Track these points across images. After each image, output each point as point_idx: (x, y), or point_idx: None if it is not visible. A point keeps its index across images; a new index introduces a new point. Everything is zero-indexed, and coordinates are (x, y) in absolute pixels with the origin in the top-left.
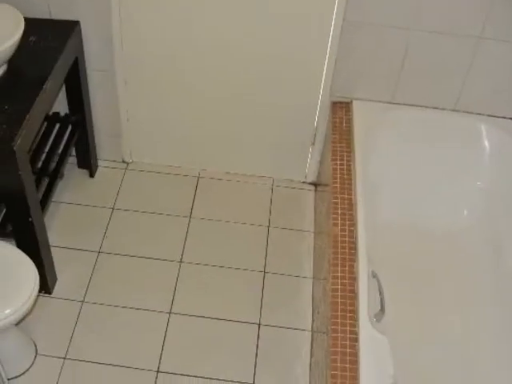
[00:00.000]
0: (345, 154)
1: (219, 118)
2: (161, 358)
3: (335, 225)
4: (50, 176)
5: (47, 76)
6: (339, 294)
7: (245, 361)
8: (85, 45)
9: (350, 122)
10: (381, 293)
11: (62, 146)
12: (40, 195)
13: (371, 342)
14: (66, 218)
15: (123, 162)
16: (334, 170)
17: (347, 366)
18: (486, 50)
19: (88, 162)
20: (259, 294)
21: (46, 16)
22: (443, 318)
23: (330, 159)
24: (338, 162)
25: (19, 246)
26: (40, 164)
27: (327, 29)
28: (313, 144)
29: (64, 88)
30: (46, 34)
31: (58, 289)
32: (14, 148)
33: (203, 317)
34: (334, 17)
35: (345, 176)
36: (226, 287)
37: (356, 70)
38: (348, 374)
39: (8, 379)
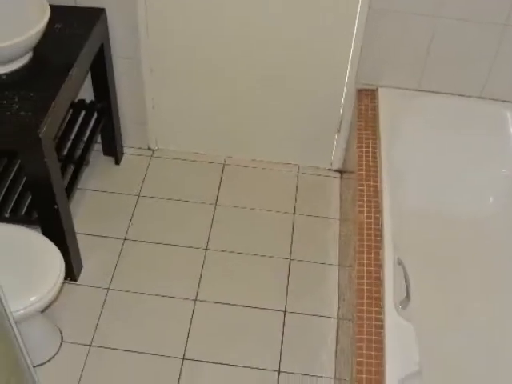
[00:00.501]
0: (370, 141)
1: (245, 106)
2: (186, 346)
3: (361, 212)
4: (75, 163)
5: (73, 63)
6: (365, 281)
7: (270, 348)
8: (110, 32)
9: (375, 109)
10: (406, 280)
11: (87, 133)
12: (65, 182)
13: (397, 329)
14: (92, 205)
15: (149, 149)
16: (360, 157)
17: (373, 353)
18: (511, 37)
19: (114, 149)
20: (285, 281)
21: (71, 3)
22: (469, 304)
23: (356, 146)
24: (364, 150)
25: (45, 234)
26: (66, 151)
27: (353, 16)
28: (338, 131)
29: (89, 75)
30: (71, 21)
31: (83, 276)
32: (40, 135)
33: (229, 304)
34: (359, 4)
35: (370, 163)
36: (252, 274)
37: (381, 58)
38: (373, 361)
39: (34, 366)
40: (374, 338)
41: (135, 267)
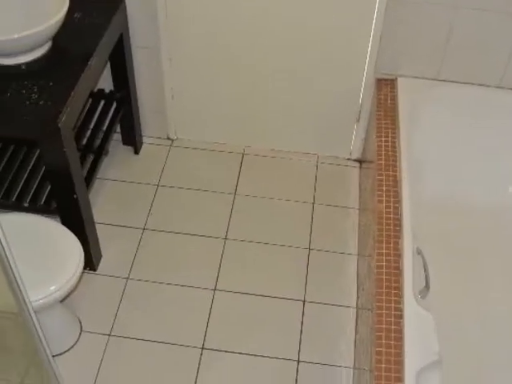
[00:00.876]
0: (389, 130)
1: (264, 95)
2: (205, 335)
3: (380, 202)
4: (94, 153)
5: (92, 53)
6: (384, 270)
7: (289, 338)
8: (129, 21)
9: (394, 98)
10: (425, 269)
11: (106, 123)
12: (85, 172)
13: (416, 319)
14: (111, 194)
15: (168, 138)
16: (379, 146)
17: (392, 342)
18: None
19: (133, 139)
20: (304, 270)
21: None
22: (488, 294)
23: (375, 136)
24: (383, 139)
25: (64, 223)
26: (85, 141)
27: (372, 5)
28: (357, 121)
29: (109, 65)
30: (90, 10)
31: (102, 265)
32: (59, 125)
33: (248, 294)
34: None
35: (389, 153)
36: (271, 264)
37: (401, 47)
38: (393, 350)
39: (53, 356)
40: (393, 327)
41: (154, 257)
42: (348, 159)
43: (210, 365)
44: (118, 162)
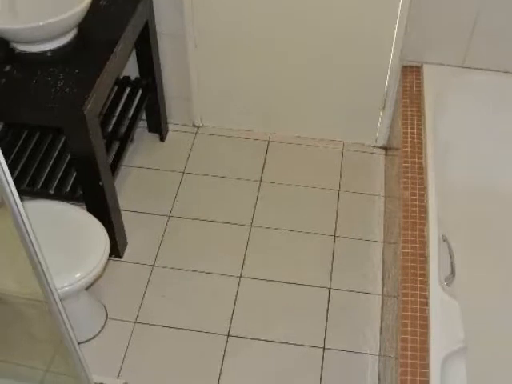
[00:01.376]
0: (415, 118)
1: (289, 82)
2: (231, 322)
3: (405, 189)
4: (120, 140)
5: (117, 40)
6: (410, 257)
7: (315, 325)
8: (155, 9)
9: (420, 86)
10: (451, 256)
11: (132, 110)
12: (110, 159)
13: (442, 306)
14: (137, 182)
15: (193, 125)
16: (405, 134)
17: (417, 330)
18: None
19: (158, 126)
20: (330, 257)
21: None
22: None
23: (401, 123)
24: (409, 126)
25: (90, 210)
26: (110, 128)
27: None
28: (383, 108)
29: (134, 52)
30: None
31: (128, 253)
32: (85, 112)
33: (273, 281)
34: None
35: (415, 140)
36: (297, 251)
37: (426, 34)
38: (418, 338)
39: (78, 343)
40: (418, 314)
41: (180, 244)
42: (374, 146)
43: (236, 352)
44: (143, 149)
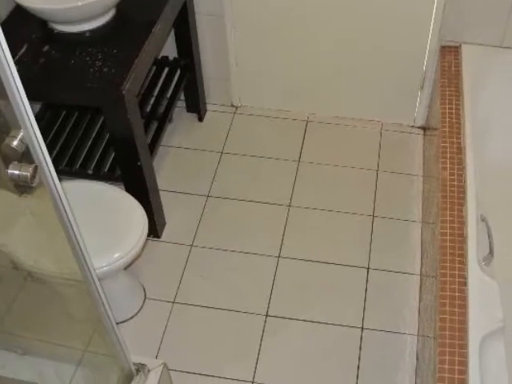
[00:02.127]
0: (453, 98)
1: (328, 62)
2: (269, 302)
3: (444, 169)
4: (158, 120)
5: (156, 20)
6: (448, 237)
7: (353, 305)
8: None
9: (458, 66)
10: (490, 236)
11: (170, 90)
12: (149, 139)
13: (480, 286)
14: (175, 161)
15: (232, 106)
16: (443, 114)
17: (456, 310)
18: None
19: (197, 106)
20: (368, 237)
21: None
22: None
23: (439, 103)
24: (447, 106)
25: (128, 190)
26: (149, 108)
27: None
28: (421, 88)
29: (173, 32)
30: None
31: (166, 233)
32: (123, 92)
33: (312, 261)
34: None
35: (453, 120)
36: (335, 231)
37: (465, 14)
38: (457, 318)
39: (117, 323)
40: (457, 294)
41: (218, 224)
42: (412, 126)
43: (274, 332)
44: (182, 129)
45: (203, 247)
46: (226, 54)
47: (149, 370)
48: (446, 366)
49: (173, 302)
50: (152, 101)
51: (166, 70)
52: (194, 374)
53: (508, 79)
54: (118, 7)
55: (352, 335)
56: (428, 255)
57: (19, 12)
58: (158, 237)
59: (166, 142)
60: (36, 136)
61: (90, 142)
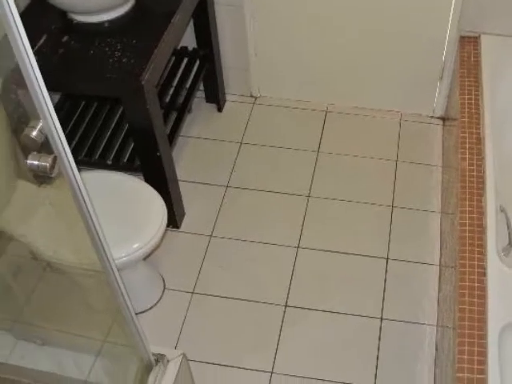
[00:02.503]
0: (473, 88)
1: (347, 53)
2: (289, 293)
3: (463, 159)
4: (178, 110)
5: (175, 10)
6: (467, 228)
7: (373, 295)
8: None
9: (477, 56)
10: (509, 227)
11: (190, 81)
12: (168, 129)
13: (499, 276)
14: (194, 152)
15: (251, 96)
16: (462, 104)
17: (475, 300)
18: None
19: (216, 97)
20: (387, 228)
21: None
22: None
23: (458, 94)
24: (466, 97)
25: (147, 181)
26: (168, 98)
27: None
28: (441, 78)
29: (192, 22)
30: None
31: (186, 223)
32: (142, 82)
33: (331, 251)
34: None
35: (473, 110)
36: (354, 221)
37: (484, 5)
38: (476, 308)
39: (136, 313)
40: (476, 285)
41: (237, 214)
42: (431, 117)
43: (293, 322)
44: (201, 119)
45: (222, 237)
46: (246, 44)
47: (168, 361)
48: (465, 357)
49: (192, 293)
50: (171, 91)
51: (186, 60)
52: (213, 364)
53: None
54: None
55: (371, 325)
56: (447, 245)
57: (39, 2)
58: (177, 227)
59: (185, 132)
60: (55, 126)
61: (109, 133)
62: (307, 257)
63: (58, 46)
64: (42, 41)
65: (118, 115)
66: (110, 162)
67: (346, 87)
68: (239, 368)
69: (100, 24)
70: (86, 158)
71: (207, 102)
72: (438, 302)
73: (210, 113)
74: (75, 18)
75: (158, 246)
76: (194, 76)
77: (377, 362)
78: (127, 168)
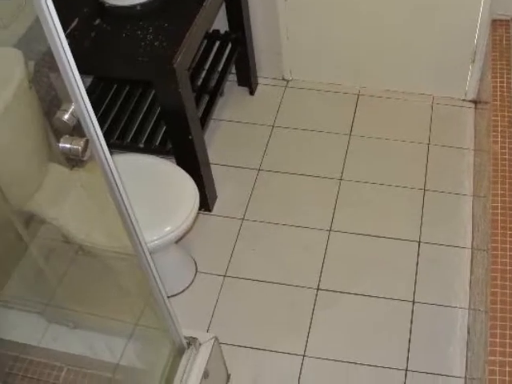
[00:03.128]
0: (505, 71)
1: (379, 36)
2: (321, 276)
3: (495, 142)
4: (210, 93)
5: None
6: (499, 211)
7: (405, 279)
8: None
9: (510, 39)
10: None
11: (221, 64)
12: (200, 113)
13: None
14: (226, 135)
15: (283, 79)
16: (494, 87)
17: (507, 283)
18: None
19: (248, 80)
20: (419, 211)
21: None
22: None
23: (490, 77)
24: (498, 80)
25: (179, 164)
26: (200, 82)
27: None
28: (473, 62)
29: (224, 6)
30: None
31: (218, 206)
32: (174, 66)
33: (363, 234)
34: None
35: (505, 93)
36: (386, 205)
37: None
38: (508, 291)
39: (168, 297)
40: (508, 268)
41: (269, 197)
42: (463, 100)
43: (325, 305)
44: (233, 102)
45: (254, 221)
46: (278, 28)
47: (200, 344)
48: (498, 340)
49: (224, 276)
50: (203, 74)
51: (217, 43)
52: (246, 347)
53: None
54: None
55: (403, 309)
56: (479, 229)
57: None
58: (210, 210)
59: (217, 115)
60: (87, 109)
61: (141, 116)
62: (339, 240)
63: (90, 29)
64: (74, 24)
65: (149, 98)
66: (142, 145)
67: (378, 70)
68: (271, 351)
69: (132, 7)
70: (118, 141)
71: (239, 85)
72: (470, 285)
73: (241, 96)
74: (107, 1)
75: (189, 230)
76: (226, 59)
77: (409, 345)
78: (159, 151)
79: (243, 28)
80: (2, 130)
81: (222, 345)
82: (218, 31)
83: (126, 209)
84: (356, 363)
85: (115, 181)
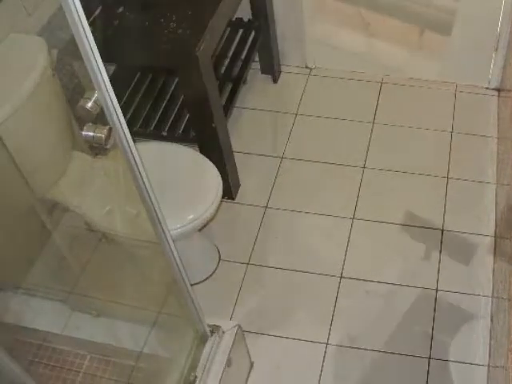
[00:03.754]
0: None
1: (403, 23)
2: (344, 264)
3: None
4: (233, 81)
5: None
6: None
7: (428, 266)
8: None
9: None
10: None
11: (245, 52)
12: (223, 100)
13: None
14: (249, 123)
15: (306, 67)
16: None
17: None
18: None
19: (271, 68)
20: (442, 199)
21: None
22: None
23: None
24: None
25: (202, 152)
26: (223, 69)
27: None
28: (496, 50)
29: None
30: None
31: (241, 194)
32: (197, 53)
33: (386, 222)
34: None
35: None
36: (409, 192)
37: None
38: None
39: (191, 285)
40: None
41: (293, 186)
42: (486, 88)
43: (349, 293)
44: (256, 90)
45: (277, 209)
46: (301, 16)
47: (223, 332)
48: None
49: (247, 264)
50: (226, 62)
51: (241, 31)
52: (269, 335)
53: None
54: None
55: (426, 297)
56: (503, 217)
57: None
58: (233, 198)
59: (240, 103)
60: (110, 97)
61: (164, 104)
62: (362, 228)
63: (113, 17)
64: (97, 12)
65: (173, 86)
66: (165, 133)
67: (402, 58)
68: (294, 339)
69: None
70: (141, 129)
71: (262, 73)
72: (493, 274)
73: (265, 84)
74: None
75: (213, 218)
76: (249, 47)
77: (432, 332)
78: (182, 139)
79: (266, 16)
80: (25, 117)
81: (245, 333)
82: (241, 19)
83: (150, 197)
84: (379, 351)
85: (138, 169)
